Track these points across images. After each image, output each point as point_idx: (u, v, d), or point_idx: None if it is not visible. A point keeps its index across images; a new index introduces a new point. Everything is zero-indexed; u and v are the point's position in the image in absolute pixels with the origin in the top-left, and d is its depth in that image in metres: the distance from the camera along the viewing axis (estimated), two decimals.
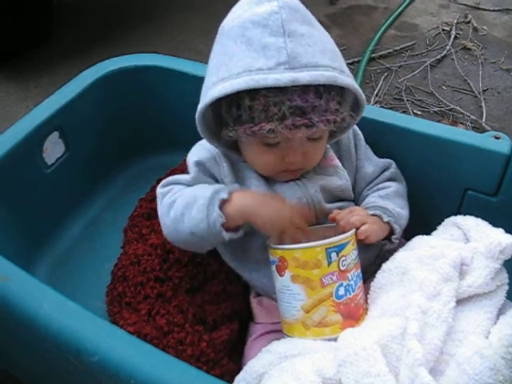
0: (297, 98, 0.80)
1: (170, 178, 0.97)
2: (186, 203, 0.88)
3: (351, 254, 0.84)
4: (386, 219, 0.93)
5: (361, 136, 1.05)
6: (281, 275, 0.84)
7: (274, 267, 0.86)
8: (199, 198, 0.86)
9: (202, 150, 0.97)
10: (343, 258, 0.82)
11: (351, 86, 0.83)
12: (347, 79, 0.82)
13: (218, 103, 0.86)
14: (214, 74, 0.84)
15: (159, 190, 0.96)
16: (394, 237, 0.95)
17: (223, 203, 0.85)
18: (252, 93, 0.80)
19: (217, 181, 0.96)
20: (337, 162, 1.00)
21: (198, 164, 0.95)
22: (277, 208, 0.86)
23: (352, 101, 0.91)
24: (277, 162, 0.89)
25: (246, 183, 0.95)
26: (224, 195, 0.85)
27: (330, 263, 0.81)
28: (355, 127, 1.04)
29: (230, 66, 0.82)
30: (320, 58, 0.81)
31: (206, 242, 0.91)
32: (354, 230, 0.87)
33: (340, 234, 0.85)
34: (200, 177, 0.95)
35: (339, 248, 0.82)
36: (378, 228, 0.92)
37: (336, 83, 0.81)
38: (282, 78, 0.77)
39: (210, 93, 0.83)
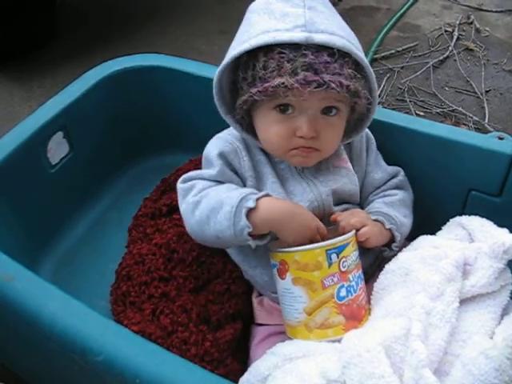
0: (310, 56, 0.80)
1: (192, 173, 0.96)
2: (212, 207, 0.88)
3: (352, 255, 0.84)
4: (387, 226, 0.93)
5: (373, 141, 1.05)
6: (282, 278, 0.85)
7: (275, 270, 0.86)
8: (225, 205, 0.86)
9: (223, 143, 0.96)
10: (344, 260, 0.83)
11: (365, 64, 0.84)
12: (361, 55, 0.83)
13: (236, 72, 0.89)
14: (236, 40, 0.88)
15: (180, 185, 0.95)
16: (394, 244, 0.94)
17: (250, 211, 0.85)
18: (268, 51, 0.82)
19: (237, 174, 0.95)
20: (349, 165, 1.00)
21: (222, 156, 0.94)
22: (302, 219, 0.86)
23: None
24: (289, 134, 0.88)
25: (263, 179, 0.95)
26: (251, 204, 0.84)
27: (330, 265, 0.82)
28: (368, 132, 1.04)
29: (251, 31, 0.85)
30: (338, 31, 0.83)
31: (232, 244, 0.93)
32: (353, 231, 0.87)
33: (341, 235, 0.85)
34: (224, 170, 0.94)
35: (339, 249, 0.82)
36: (379, 232, 0.92)
37: (351, 52, 0.82)
38: (297, 35, 0.80)
39: (229, 53, 0.86)
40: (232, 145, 0.96)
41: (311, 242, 0.85)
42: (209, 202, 0.89)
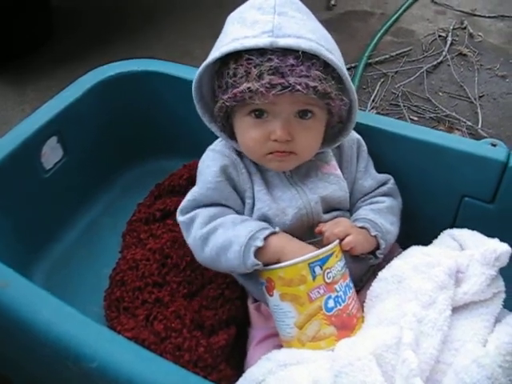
0: (276, 60, 0.82)
1: (188, 201, 0.96)
2: (222, 246, 0.89)
3: (336, 266, 0.84)
4: (373, 233, 0.93)
5: (365, 148, 1.05)
6: (270, 295, 0.85)
7: (263, 288, 0.87)
8: (234, 244, 0.87)
9: (220, 157, 0.97)
10: (328, 271, 0.83)
11: (335, 65, 0.84)
12: (331, 56, 0.84)
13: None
14: (212, 50, 0.90)
15: (180, 219, 0.96)
16: (378, 252, 0.94)
17: (258, 249, 0.86)
18: (238, 59, 0.85)
19: (235, 188, 0.96)
20: (339, 171, 1.00)
21: (223, 171, 0.95)
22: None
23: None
24: (264, 138, 0.89)
25: (255, 188, 0.95)
26: (259, 243, 0.86)
27: (314, 277, 0.82)
28: (360, 139, 1.05)
29: (224, 40, 0.88)
30: (306, 33, 0.84)
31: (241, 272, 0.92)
32: (336, 241, 0.87)
33: (327, 245, 0.85)
34: (223, 188, 0.95)
35: (322, 261, 0.83)
36: (364, 239, 0.92)
37: (318, 54, 0.82)
38: (263, 40, 0.82)
39: (203, 64, 0.89)
40: (229, 157, 0.97)
41: None
42: (217, 240, 0.90)
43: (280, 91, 0.82)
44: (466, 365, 0.70)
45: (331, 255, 0.84)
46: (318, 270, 0.82)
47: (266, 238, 0.87)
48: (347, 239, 0.89)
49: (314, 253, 0.83)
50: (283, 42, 0.82)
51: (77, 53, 2.23)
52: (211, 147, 1.01)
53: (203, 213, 0.93)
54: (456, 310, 0.81)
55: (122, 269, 1.07)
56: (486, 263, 0.82)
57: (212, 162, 0.97)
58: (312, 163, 0.98)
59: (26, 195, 1.12)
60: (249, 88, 0.83)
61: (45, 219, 1.18)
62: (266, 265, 0.86)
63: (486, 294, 0.81)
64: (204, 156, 1.00)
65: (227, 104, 0.88)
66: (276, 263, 0.85)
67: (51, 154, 1.16)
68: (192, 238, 0.93)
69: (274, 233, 0.88)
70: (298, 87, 0.82)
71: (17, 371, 1.01)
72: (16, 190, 1.10)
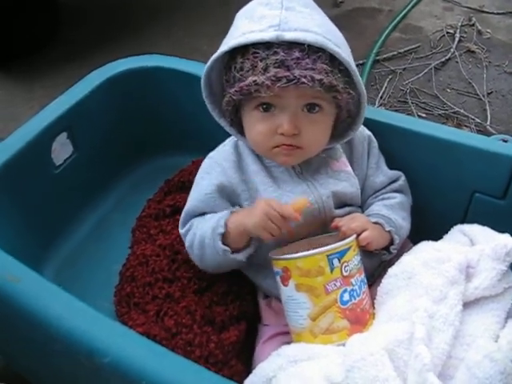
0: (281, 53, 0.82)
1: (183, 214, 1.00)
2: (199, 245, 0.94)
3: (353, 260, 0.84)
4: (387, 228, 0.94)
5: (375, 144, 1.05)
6: (285, 285, 0.85)
7: (278, 278, 0.87)
8: (205, 238, 0.92)
9: (215, 168, 0.98)
10: (345, 264, 0.83)
11: (342, 58, 0.84)
12: (338, 49, 0.84)
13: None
14: (221, 46, 0.91)
15: (180, 231, 1.00)
16: (392, 247, 0.95)
17: (224, 235, 0.90)
18: (244, 53, 0.86)
19: (230, 198, 0.98)
20: (349, 168, 1.00)
21: (216, 187, 0.97)
22: (257, 210, 0.88)
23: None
24: (271, 131, 0.89)
25: (257, 189, 0.96)
26: (221, 230, 0.90)
27: (332, 270, 0.82)
28: (371, 135, 1.05)
29: (232, 35, 0.89)
30: (313, 27, 0.84)
31: (235, 263, 0.94)
32: (354, 235, 0.88)
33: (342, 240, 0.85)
34: (212, 202, 0.97)
35: (340, 254, 0.83)
36: (379, 235, 0.93)
37: (324, 47, 0.83)
38: (268, 34, 0.83)
39: (211, 58, 0.90)
40: (220, 166, 0.98)
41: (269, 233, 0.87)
42: (197, 241, 0.95)
43: (285, 84, 0.82)
44: (479, 360, 0.70)
45: (349, 249, 0.84)
46: (336, 262, 0.82)
47: (227, 223, 0.90)
48: (364, 234, 0.89)
49: (333, 245, 0.83)
50: (289, 35, 0.82)
51: (83, 50, 2.24)
52: (211, 154, 1.02)
53: (196, 222, 0.97)
54: (467, 305, 0.81)
55: (132, 264, 1.07)
56: (496, 258, 0.81)
57: (206, 174, 0.99)
58: (322, 160, 0.98)
59: (36, 191, 1.12)
60: (255, 81, 0.84)
61: (55, 215, 1.18)
62: (242, 247, 0.91)
63: (496, 288, 0.81)
64: (202, 164, 1.02)
65: (234, 98, 0.89)
66: (248, 241, 0.90)
67: (61, 150, 1.16)
68: (186, 245, 0.98)
69: (232, 212, 0.92)
70: (304, 80, 0.82)
71: (27, 366, 1.02)
72: (27, 186, 1.10)
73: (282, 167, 0.96)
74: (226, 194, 0.97)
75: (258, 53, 0.84)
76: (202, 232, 0.93)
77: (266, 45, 0.83)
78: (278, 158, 0.93)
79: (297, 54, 0.82)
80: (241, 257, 0.92)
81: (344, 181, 0.97)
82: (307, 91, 0.85)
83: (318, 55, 0.83)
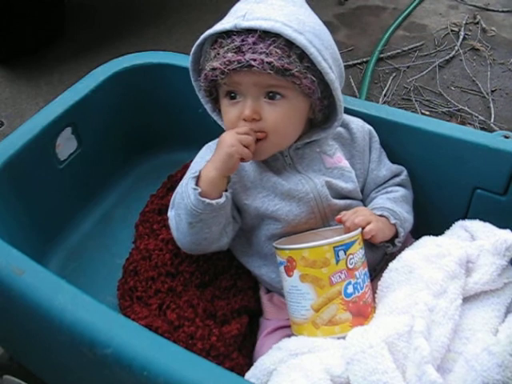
0: (237, 40, 0.86)
1: (173, 196, 1.00)
2: (177, 205, 0.94)
3: (358, 253, 0.85)
4: (392, 221, 0.94)
5: (376, 139, 1.05)
6: (289, 275, 0.85)
7: (282, 268, 0.87)
8: (179, 192, 0.93)
9: (210, 154, 0.97)
10: (351, 256, 0.83)
11: (299, 42, 0.85)
12: (296, 35, 0.85)
13: None
14: None
15: (168, 214, 1.00)
16: (397, 240, 0.95)
17: (198, 185, 0.89)
18: (213, 43, 0.92)
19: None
20: (344, 163, 1.00)
21: None
22: (222, 147, 0.89)
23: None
24: (236, 119, 0.92)
25: (248, 187, 0.97)
26: (196, 173, 0.90)
27: (338, 261, 0.83)
28: (372, 130, 1.05)
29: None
30: (277, 16, 0.86)
31: (206, 226, 0.91)
32: (360, 229, 0.88)
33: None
34: None
35: (346, 246, 0.83)
36: (384, 227, 0.93)
37: (279, 33, 0.84)
38: (229, 24, 0.87)
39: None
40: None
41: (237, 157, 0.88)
42: (174, 207, 0.96)
43: (236, 66, 0.86)
44: (477, 353, 0.70)
45: (355, 241, 0.85)
46: (341, 254, 0.82)
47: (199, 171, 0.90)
48: (368, 227, 0.90)
49: (339, 237, 0.83)
50: (246, 23, 0.86)
51: (89, 47, 2.25)
52: (209, 143, 1.04)
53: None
54: (467, 299, 0.82)
55: (135, 259, 1.08)
56: (496, 253, 0.82)
57: (200, 158, 1.01)
58: (315, 154, 0.99)
59: (41, 186, 1.13)
60: (212, 67, 0.89)
61: (59, 209, 1.19)
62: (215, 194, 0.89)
63: (496, 283, 0.82)
64: (199, 151, 1.04)
65: (202, 85, 0.95)
66: (221, 192, 0.89)
67: (66, 145, 1.17)
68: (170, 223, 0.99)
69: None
70: (253, 63, 0.85)
71: (31, 358, 1.03)
72: (31, 181, 1.10)
73: (278, 160, 0.98)
74: None
75: (222, 42, 0.88)
76: (178, 189, 0.95)
77: (228, 34, 0.88)
78: None
79: (252, 39, 0.85)
80: (212, 202, 0.87)
81: (338, 178, 0.98)
82: (263, 77, 0.87)
83: (272, 40, 0.85)
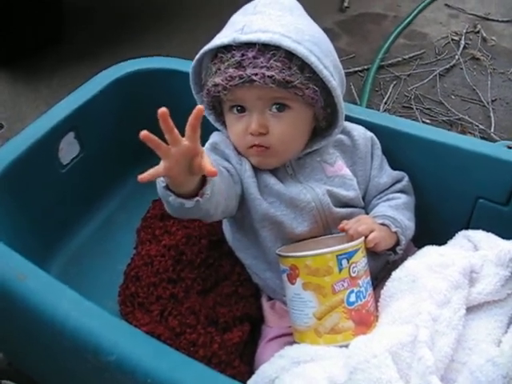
0: (237, 54, 0.86)
1: None
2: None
3: (361, 261, 0.85)
4: (394, 229, 0.94)
5: (378, 146, 1.05)
6: (292, 283, 0.85)
7: (284, 276, 0.87)
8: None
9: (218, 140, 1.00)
10: (354, 265, 0.83)
11: (298, 52, 0.85)
12: (295, 45, 0.85)
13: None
14: None
15: None
16: (398, 248, 0.95)
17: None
18: (213, 58, 0.92)
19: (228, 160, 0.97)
20: (345, 171, 1.00)
21: (213, 147, 0.98)
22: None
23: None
24: (243, 132, 0.92)
25: (249, 194, 0.95)
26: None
27: (341, 270, 0.82)
28: (374, 137, 1.05)
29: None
30: (275, 28, 0.86)
31: (190, 214, 0.85)
32: (362, 237, 0.88)
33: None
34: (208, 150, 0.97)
35: (349, 255, 0.83)
36: (386, 236, 0.93)
37: (279, 44, 0.84)
38: (227, 38, 0.87)
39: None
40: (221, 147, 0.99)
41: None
42: None
43: (238, 82, 0.86)
44: (481, 364, 0.70)
45: (358, 250, 0.85)
46: (344, 262, 0.82)
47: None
48: (371, 236, 0.89)
49: (342, 245, 0.83)
50: (245, 37, 0.85)
51: (88, 50, 2.25)
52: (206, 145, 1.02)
53: None
54: (470, 309, 0.81)
55: (136, 264, 1.08)
56: (500, 264, 0.82)
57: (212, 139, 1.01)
58: (316, 163, 0.99)
59: (43, 190, 1.13)
60: (214, 83, 0.88)
61: (61, 214, 1.18)
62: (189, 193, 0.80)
63: (500, 294, 0.82)
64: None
65: (205, 100, 0.95)
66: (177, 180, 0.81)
67: (68, 149, 1.17)
68: None
69: None
70: (254, 77, 0.85)
71: (32, 364, 1.02)
72: (34, 185, 1.10)
73: (280, 170, 0.97)
74: (219, 152, 0.98)
75: (222, 57, 0.88)
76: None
77: (228, 48, 0.87)
78: (253, 158, 0.95)
79: (253, 53, 0.85)
80: (186, 203, 0.80)
81: (339, 186, 0.98)
82: (266, 91, 0.87)
83: (272, 53, 0.85)
